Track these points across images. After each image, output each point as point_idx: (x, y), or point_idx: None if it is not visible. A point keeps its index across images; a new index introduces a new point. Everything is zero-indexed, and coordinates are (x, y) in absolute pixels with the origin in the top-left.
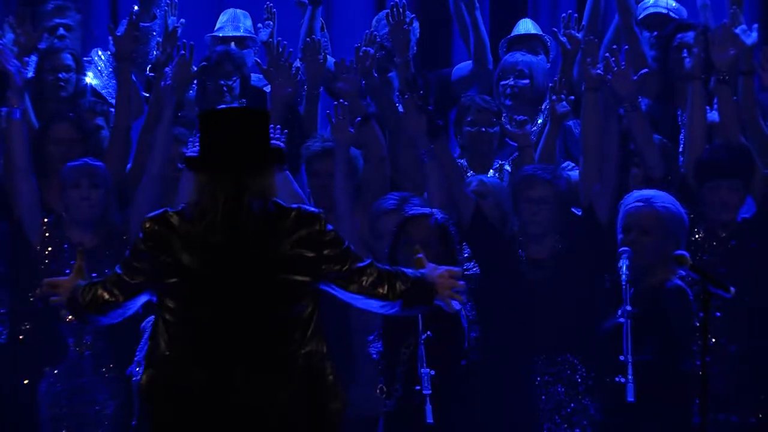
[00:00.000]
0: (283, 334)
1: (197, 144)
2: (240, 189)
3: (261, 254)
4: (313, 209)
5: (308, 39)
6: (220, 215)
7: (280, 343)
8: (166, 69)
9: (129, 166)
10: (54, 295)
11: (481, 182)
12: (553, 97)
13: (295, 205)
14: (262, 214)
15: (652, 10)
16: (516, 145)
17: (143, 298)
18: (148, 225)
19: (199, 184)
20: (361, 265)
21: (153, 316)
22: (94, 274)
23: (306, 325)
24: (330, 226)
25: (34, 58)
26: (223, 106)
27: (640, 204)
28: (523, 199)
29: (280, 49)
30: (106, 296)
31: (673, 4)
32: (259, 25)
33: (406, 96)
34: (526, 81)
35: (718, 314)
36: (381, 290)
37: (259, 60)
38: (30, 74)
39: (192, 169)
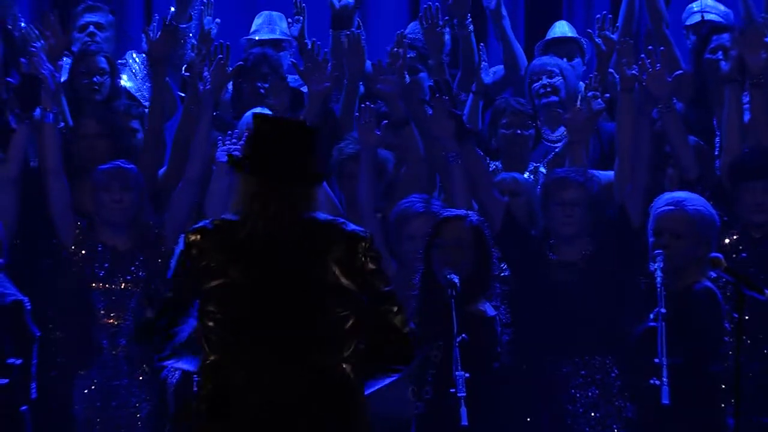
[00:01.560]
0: (323, 341)
1: (227, 143)
2: (291, 198)
3: (307, 259)
4: (361, 228)
5: (348, 32)
6: (270, 222)
7: (320, 350)
8: (205, 74)
9: (164, 168)
10: None
11: (514, 180)
12: (589, 94)
13: (341, 219)
14: (310, 222)
15: (698, 17)
16: (554, 146)
17: (191, 320)
18: (190, 237)
19: (248, 191)
20: (399, 299)
21: None
22: (128, 277)
23: (347, 338)
24: (376, 247)
25: (68, 61)
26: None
27: (671, 207)
28: (555, 202)
29: (316, 50)
30: (162, 325)
31: (721, 8)
32: (289, 20)
33: (436, 96)
34: (559, 79)
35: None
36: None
37: (295, 61)
38: (64, 78)
39: (243, 172)
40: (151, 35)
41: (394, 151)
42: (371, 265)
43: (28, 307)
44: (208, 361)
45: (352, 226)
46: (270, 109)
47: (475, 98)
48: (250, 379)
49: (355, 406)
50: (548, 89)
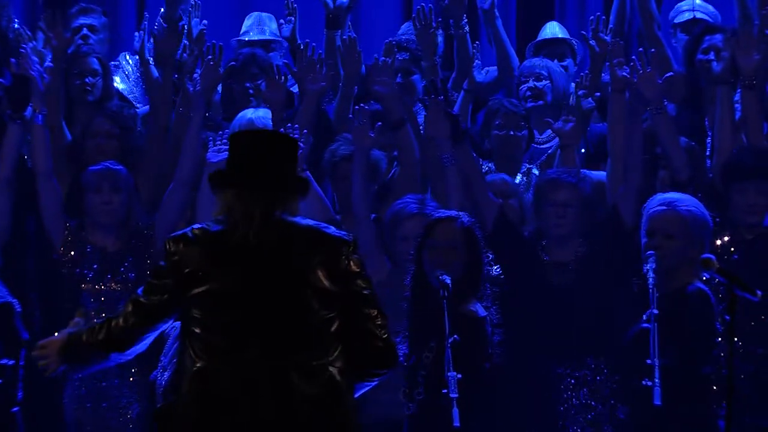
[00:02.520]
0: (310, 343)
1: (218, 145)
2: (273, 205)
3: (292, 263)
4: (344, 232)
5: (344, 36)
6: (254, 228)
7: (307, 351)
8: (195, 75)
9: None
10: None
11: (504, 181)
12: (579, 93)
13: (323, 224)
14: (293, 227)
15: (688, 15)
16: (544, 148)
17: (160, 324)
18: (171, 245)
19: (229, 200)
20: (380, 304)
21: (177, 322)
22: (118, 278)
23: (335, 340)
24: (359, 250)
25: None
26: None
27: (664, 208)
28: (548, 203)
29: (309, 52)
30: (122, 324)
31: (710, 8)
32: (281, 20)
33: (432, 97)
34: (547, 82)
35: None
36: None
37: (287, 62)
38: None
39: (222, 187)
40: (157, 35)
41: (389, 152)
42: (354, 268)
43: (18, 310)
44: (194, 367)
45: (334, 230)
46: (266, 104)
47: (466, 96)
48: (238, 382)
49: (344, 408)
50: (533, 93)
